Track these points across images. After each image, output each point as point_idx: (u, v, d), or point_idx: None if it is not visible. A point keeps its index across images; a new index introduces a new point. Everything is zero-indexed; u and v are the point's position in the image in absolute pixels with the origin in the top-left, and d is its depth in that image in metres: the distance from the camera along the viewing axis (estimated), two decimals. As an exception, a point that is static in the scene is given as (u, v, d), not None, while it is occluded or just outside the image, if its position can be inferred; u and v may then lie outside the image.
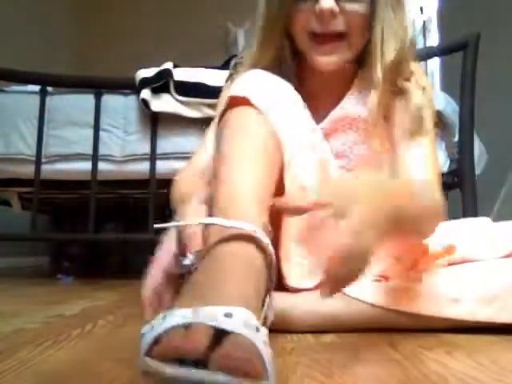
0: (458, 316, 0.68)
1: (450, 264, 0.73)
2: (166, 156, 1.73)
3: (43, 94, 1.76)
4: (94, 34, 4.01)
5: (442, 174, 1.64)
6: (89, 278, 1.89)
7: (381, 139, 0.83)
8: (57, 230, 2.68)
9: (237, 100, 0.64)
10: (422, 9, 3.63)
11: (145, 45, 3.82)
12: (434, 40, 3.39)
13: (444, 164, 1.64)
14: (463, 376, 0.46)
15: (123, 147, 1.75)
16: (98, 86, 1.78)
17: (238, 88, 0.66)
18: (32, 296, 1.29)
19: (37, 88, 1.77)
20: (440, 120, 1.58)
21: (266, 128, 0.63)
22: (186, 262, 0.51)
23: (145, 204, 1.78)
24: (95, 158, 1.71)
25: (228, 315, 0.37)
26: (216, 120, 0.74)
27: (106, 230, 2.64)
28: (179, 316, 0.37)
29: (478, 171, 1.72)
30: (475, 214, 1.51)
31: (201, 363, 0.34)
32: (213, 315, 0.36)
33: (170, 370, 0.34)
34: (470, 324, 0.68)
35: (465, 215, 1.53)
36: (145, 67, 1.77)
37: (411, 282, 0.71)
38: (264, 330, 0.38)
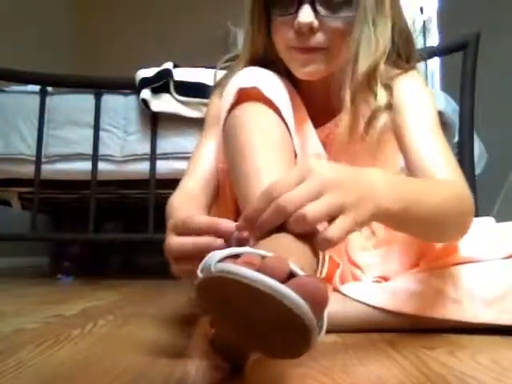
0: (460, 318, 0.68)
1: (453, 264, 0.73)
2: (166, 156, 1.73)
3: (43, 94, 1.76)
4: (94, 34, 4.02)
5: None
6: (89, 278, 1.89)
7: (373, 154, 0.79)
8: (57, 230, 2.68)
9: (246, 92, 0.64)
10: (421, 9, 3.63)
11: (145, 45, 3.82)
12: (433, 40, 3.39)
13: (444, 164, 1.64)
14: (464, 376, 0.46)
15: (123, 147, 1.75)
16: (98, 86, 1.77)
17: (244, 80, 0.66)
18: (32, 296, 1.29)
19: (37, 88, 1.77)
20: (440, 120, 1.58)
21: (278, 123, 0.64)
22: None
23: (145, 204, 1.77)
24: (95, 158, 1.71)
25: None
26: (209, 118, 0.75)
27: (105, 230, 2.64)
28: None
29: (478, 171, 1.72)
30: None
31: None
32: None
33: (250, 273, 0.34)
34: (471, 325, 0.68)
35: (465, 215, 1.52)
36: (145, 67, 1.77)
37: (411, 283, 0.71)
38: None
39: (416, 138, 0.72)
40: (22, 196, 1.99)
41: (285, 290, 0.34)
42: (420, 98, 0.77)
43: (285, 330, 0.36)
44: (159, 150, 1.72)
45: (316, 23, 0.70)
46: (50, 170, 1.75)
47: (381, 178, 0.52)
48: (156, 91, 1.69)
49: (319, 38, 0.71)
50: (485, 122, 1.94)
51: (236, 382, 0.45)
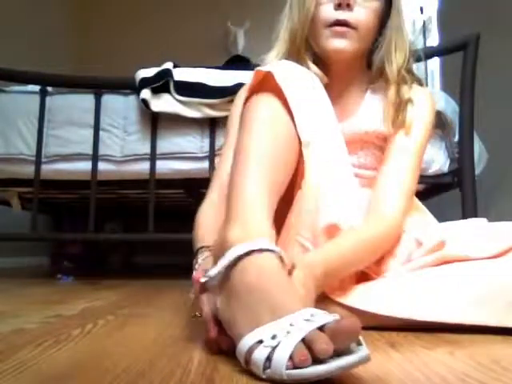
0: (450, 320, 0.67)
1: (442, 263, 0.73)
2: (166, 156, 1.73)
3: (43, 94, 1.76)
4: (94, 34, 4.02)
5: (443, 174, 1.65)
6: (89, 278, 1.89)
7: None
8: (57, 230, 2.69)
9: (261, 77, 0.70)
10: (421, 9, 3.63)
11: (145, 45, 3.82)
12: (433, 40, 3.39)
13: (444, 164, 1.64)
14: (464, 376, 0.46)
15: (123, 147, 1.75)
16: (98, 86, 1.78)
17: (264, 67, 0.72)
18: (32, 296, 1.29)
19: (37, 88, 1.77)
20: (440, 120, 1.58)
21: (285, 121, 0.68)
22: (213, 271, 0.56)
23: (145, 204, 1.78)
24: (95, 158, 1.71)
25: (312, 315, 0.47)
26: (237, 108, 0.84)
27: (106, 229, 2.64)
28: (283, 331, 0.45)
29: (477, 171, 1.72)
30: (475, 214, 1.51)
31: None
32: (305, 317, 0.46)
33: (320, 368, 0.41)
34: (461, 325, 0.67)
35: (465, 215, 1.52)
36: (145, 67, 1.77)
37: (402, 284, 0.71)
38: (336, 314, 0.48)
39: (392, 162, 0.86)
40: (22, 196, 1.99)
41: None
42: (421, 116, 0.89)
43: None
44: (159, 150, 1.72)
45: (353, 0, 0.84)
46: (50, 169, 1.75)
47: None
48: (156, 91, 1.69)
49: (355, 14, 0.85)
50: (485, 122, 1.93)
51: (236, 380, 0.45)
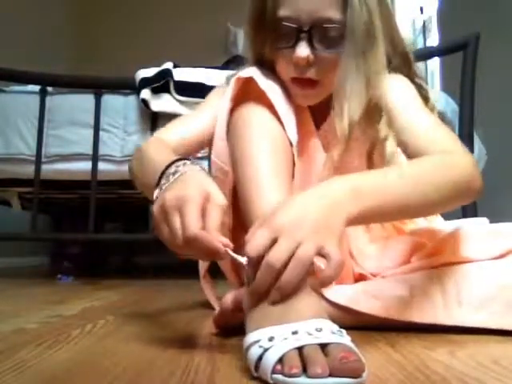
0: (449, 323, 0.67)
1: (443, 264, 0.73)
2: (166, 156, 1.73)
3: (43, 94, 1.76)
4: (94, 34, 4.02)
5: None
6: (89, 278, 1.89)
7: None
8: (57, 230, 2.68)
9: (243, 81, 0.70)
10: (421, 9, 3.63)
11: (145, 45, 3.82)
12: (433, 40, 3.39)
13: (444, 164, 1.64)
14: (464, 376, 0.46)
15: (123, 147, 1.75)
16: (98, 86, 1.78)
17: (242, 73, 0.72)
18: (32, 296, 1.29)
19: (37, 88, 1.77)
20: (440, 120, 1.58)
21: (279, 129, 0.70)
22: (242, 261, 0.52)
23: (145, 204, 1.77)
24: (95, 158, 1.71)
25: (318, 329, 0.46)
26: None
27: (106, 230, 2.64)
28: (281, 337, 0.45)
29: (478, 171, 1.71)
30: (475, 214, 1.51)
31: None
32: (309, 331, 0.45)
33: (303, 381, 0.41)
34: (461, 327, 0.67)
35: (465, 215, 1.52)
36: (145, 67, 1.77)
37: (401, 287, 0.71)
38: (343, 331, 0.47)
39: (407, 118, 0.72)
40: (22, 196, 1.99)
41: None
42: (405, 91, 0.78)
43: None
44: (159, 150, 1.72)
45: (312, 57, 0.73)
46: (49, 169, 1.75)
47: (343, 189, 0.54)
48: (156, 91, 1.70)
49: (315, 71, 0.75)
50: (485, 122, 1.93)
51: (236, 381, 0.45)
